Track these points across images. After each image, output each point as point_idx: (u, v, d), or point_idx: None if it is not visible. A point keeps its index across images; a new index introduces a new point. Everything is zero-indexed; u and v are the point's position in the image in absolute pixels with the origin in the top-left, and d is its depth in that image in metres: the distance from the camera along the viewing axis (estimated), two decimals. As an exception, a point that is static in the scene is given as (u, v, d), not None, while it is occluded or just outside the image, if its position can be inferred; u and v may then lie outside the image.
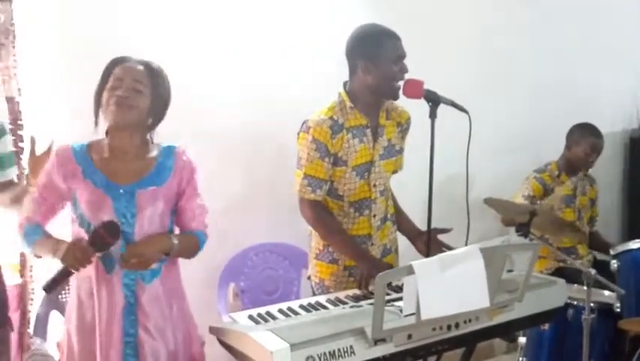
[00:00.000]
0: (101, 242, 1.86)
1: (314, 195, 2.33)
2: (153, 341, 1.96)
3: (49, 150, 2.22)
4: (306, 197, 2.34)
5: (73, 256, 1.85)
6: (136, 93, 1.91)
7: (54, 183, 1.96)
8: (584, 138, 3.42)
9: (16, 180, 2.29)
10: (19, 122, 2.48)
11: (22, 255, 2.58)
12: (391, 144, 2.43)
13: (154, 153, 2.01)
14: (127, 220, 1.92)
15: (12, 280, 2.49)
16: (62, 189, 1.96)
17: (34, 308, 2.60)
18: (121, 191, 1.93)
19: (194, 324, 2.13)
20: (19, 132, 2.50)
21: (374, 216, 2.41)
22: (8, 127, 2.34)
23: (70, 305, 2.02)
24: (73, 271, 1.87)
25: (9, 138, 2.34)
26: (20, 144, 2.50)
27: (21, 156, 2.48)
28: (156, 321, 1.97)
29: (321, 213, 2.36)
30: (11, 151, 2.34)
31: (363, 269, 2.25)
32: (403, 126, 2.48)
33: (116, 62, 1.96)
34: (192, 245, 2.06)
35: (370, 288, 2.18)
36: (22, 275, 2.59)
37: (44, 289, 1.89)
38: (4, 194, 2.33)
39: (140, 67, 1.94)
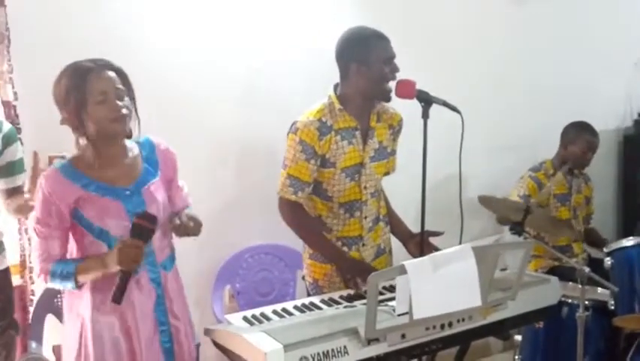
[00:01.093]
0: (146, 232, 1.87)
1: (295, 196, 2.33)
2: (178, 322, 2.02)
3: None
4: (286, 197, 2.35)
5: (130, 257, 1.83)
6: (123, 101, 1.91)
7: (55, 211, 1.88)
8: (581, 136, 3.43)
9: (24, 187, 2.27)
10: (17, 126, 2.46)
11: (22, 256, 2.57)
12: (383, 146, 2.43)
13: (135, 150, 2.02)
14: None
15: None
16: (64, 214, 1.89)
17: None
18: (127, 193, 1.94)
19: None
20: (17, 136, 2.48)
21: (365, 217, 2.42)
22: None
23: (85, 318, 1.93)
24: (132, 272, 1.85)
25: (19, 144, 2.35)
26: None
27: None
28: (177, 303, 2.04)
29: (299, 214, 2.37)
30: (20, 158, 2.35)
31: (342, 270, 2.28)
32: (395, 128, 2.48)
33: (83, 73, 1.87)
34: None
35: (363, 288, 2.18)
36: (21, 276, 2.58)
37: (115, 302, 1.82)
38: (13, 200, 2.34)
39: (112, 73, 1.91)
